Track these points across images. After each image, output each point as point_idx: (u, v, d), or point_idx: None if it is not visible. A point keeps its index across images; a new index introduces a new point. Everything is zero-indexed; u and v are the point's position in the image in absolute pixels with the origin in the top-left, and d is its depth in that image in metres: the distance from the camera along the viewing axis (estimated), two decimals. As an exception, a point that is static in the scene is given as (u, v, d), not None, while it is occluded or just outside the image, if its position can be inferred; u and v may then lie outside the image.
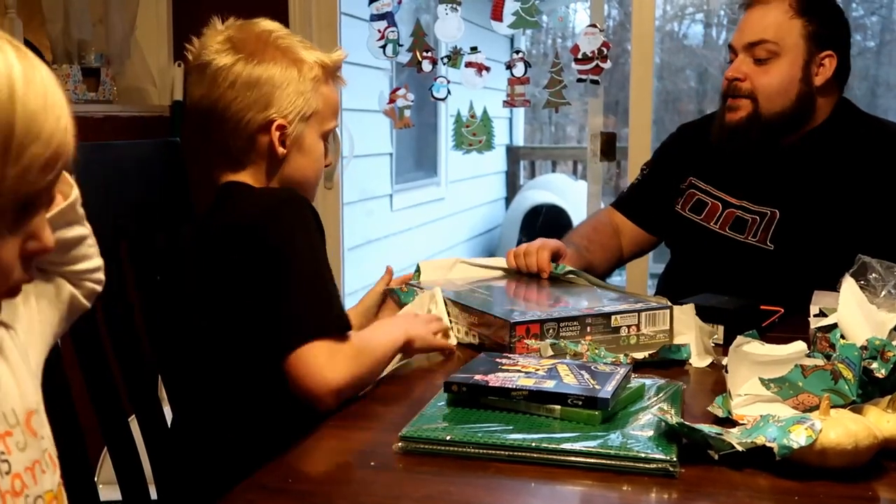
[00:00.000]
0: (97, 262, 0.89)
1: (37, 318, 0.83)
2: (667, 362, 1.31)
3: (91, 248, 0.88)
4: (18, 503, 0.68)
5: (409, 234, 5.24)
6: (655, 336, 1.38)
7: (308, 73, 1.31)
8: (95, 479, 1.95)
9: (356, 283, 3.49)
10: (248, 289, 1.23)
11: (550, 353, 1.28)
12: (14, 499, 0.68)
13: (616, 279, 1.73)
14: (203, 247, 1.30)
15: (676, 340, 1.38)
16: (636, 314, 1.37)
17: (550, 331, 1.32)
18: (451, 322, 1.46)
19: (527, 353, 1.29)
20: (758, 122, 1.74)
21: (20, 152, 0.66)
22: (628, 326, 1.37)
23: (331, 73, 1.36)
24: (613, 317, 1.36)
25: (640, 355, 1.32)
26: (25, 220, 0.69)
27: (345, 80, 1.41)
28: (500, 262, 1.73)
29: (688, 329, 1.38)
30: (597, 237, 1.91)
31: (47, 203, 0.73)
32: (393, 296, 1.59)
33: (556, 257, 1.69)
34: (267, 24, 1.34)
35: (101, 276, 0.90)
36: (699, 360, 1.32)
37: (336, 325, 1.20)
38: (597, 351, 1.29)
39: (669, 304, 1.41)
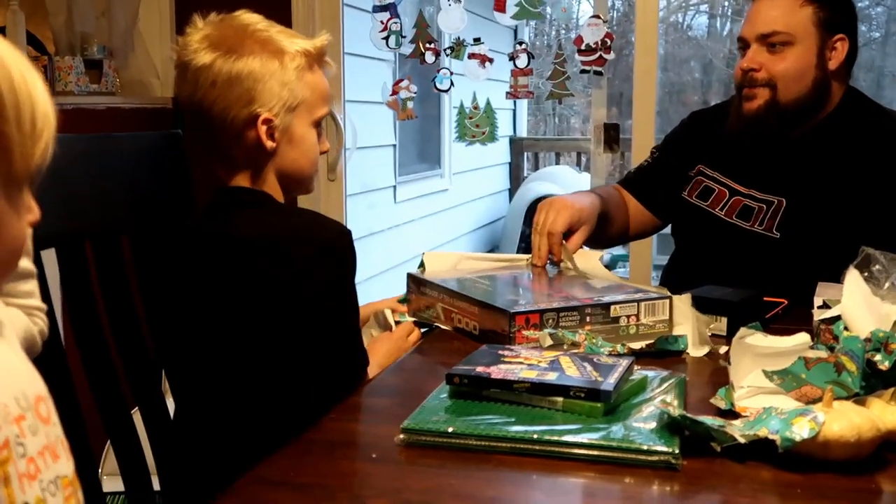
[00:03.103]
0: (42, 304, 0.88)
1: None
2: (664, 353, 1.31)
3: (36, 287, 0.87)
4: (34, 487, 0.69)
5: (413, 225, 5.23)
6: (655, 326, 1.38)
7: (290, 63, 1.30)
8: (100, 470, 1.96)
9: (360, 275, 3.49)
10: (269, 309, 1.25)
11: (549, 342, 1.28)
12: (30, 482, 0.68)
13: (621, 271, 1.72)
14: (220, 253, 1.29)
15: (675, 331, 1.38)
16: (635, 304, 1.37)
17: (550, 321, 1.32)
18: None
19: (526, 343, 1.29)
20: (776, 109, 1.74)
21: (42, 127, 0.68)
22: (628, 316, 1.36)
23: (315, 60, 1.34)
24: (613, 307, 1.36)
25: (637, 345, 1.31)
26: (27, 194, 0.71)
27: (332, 64, 1.39)
28: (506, 257, 1.72)
29: (686, 319, 1.37)
30: (613, 199, 1.90)
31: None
32: (380, 318, 1.59)
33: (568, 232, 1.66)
34: (246, 17, 1.33)
35: (46, 319, 0.89)
36: (696, 350, 1.32)
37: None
38: (594, 341, 1.29)
39: (668, 294, 1.40)
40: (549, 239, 1.63)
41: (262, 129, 1.29)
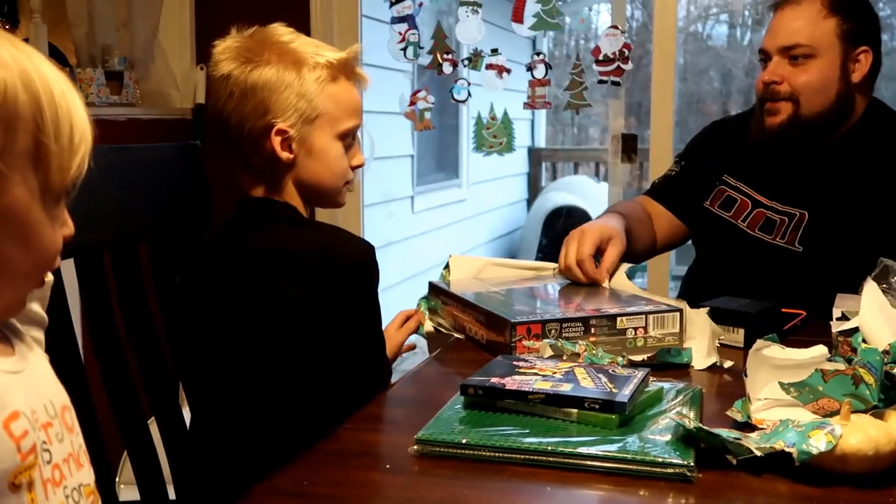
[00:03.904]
0: (46, 356, 0.88)
1: None
2: (670, 365, 1.30)
3: (43, 339, 0.87)
4: (58, 493, 0.70)
5: (431, 235, 5.24)
6: (664, 339, 1.35)
7: (309, 74, 1.29)
8: (117, 479, 1.97)
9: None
10: (288, 324, 1.25)
11: (550, 353, 1.28)
12: (54, 488, 0.70)
13: (638, 280, 1.70)
14: (241, 265, 1.29)
15: (687, 344, 1.36)
16: (643, 316, 1.35)
17: (552, 331, 1.31)
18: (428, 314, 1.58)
19: (528, 353, 1.28)
20: (798, 123, 1.72)
21: (79, 142, 0.71)
22: (635, 329, 1.34)
23: (340, 71, 1.32)
24: (619, 319, 1.34)
25: (638, 358, 1.30)
26: (62, 208, 0.73)
27: (366, 76, 1.38)
28: (532, 265, 1.72)
29: (698, 332, 1.36)
30: (635, 214, 1.86)
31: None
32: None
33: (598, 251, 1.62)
34: (272, 29, 1.33)
35: None
36: (702, 362, 1.31)
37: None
38: (594, 352, 1.28)
39: (680, 306, 1.39)
40: (581, 266, 1.56)
41: (277, 139, 1.29)
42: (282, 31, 1.33)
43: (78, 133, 0.70)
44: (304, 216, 1.36)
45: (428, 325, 1.56)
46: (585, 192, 6.70)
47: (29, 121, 0.66)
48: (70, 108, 0.69)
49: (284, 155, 1.30)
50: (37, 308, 0.83)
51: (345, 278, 1.26)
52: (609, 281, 1.59)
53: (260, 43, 1.30)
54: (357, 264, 1.27)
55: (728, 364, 1.31)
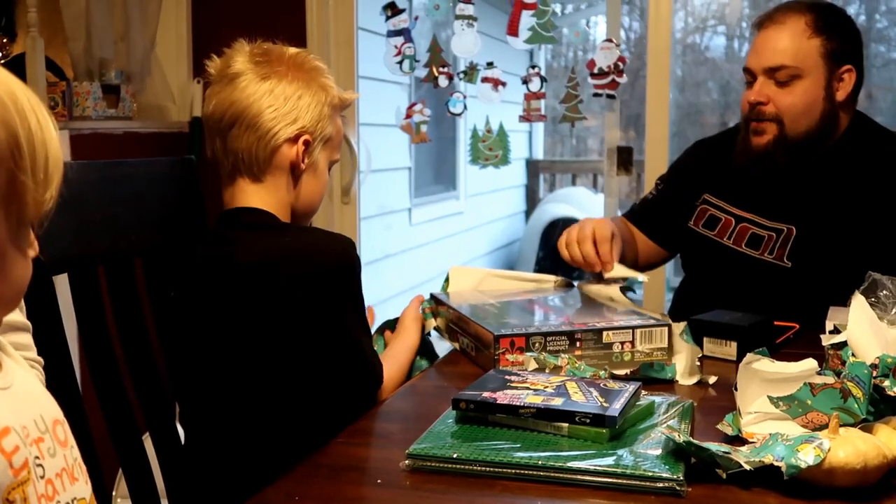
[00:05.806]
0: (39, 358, 0.89)
1: None
2: (651, 380, 1.29)
3: (31, 341, 0.88)
4: None
5: (429, 248, 5.24)
6: (652, 353, 1.35)
7: (330, 100, 1.37)
8: (114, 493, 1.97)
9: (374, 297, 3.50)
10: (284, 332, 1.26)
11: (534, 366, 1.28)
12: (48, 503, 0.70)
13: (631, 294, 1.70)
14: (223, 278, 1.30)
15: (675, 359, 1.36)
16: (630, 331, 1.35)
17: (536, 345, 1.31)
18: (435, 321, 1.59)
19: (512, 366, 1.29)
20: (784, 144, 1.72)
21: (53, 172, 0.69)
22: (622, 343, 1.34)
23: (342, 110, 1.42)
24: (605, 333, 1.34)
25: (621, 372, 1.30)
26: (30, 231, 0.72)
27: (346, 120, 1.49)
28: (532, 276, 1.73)
29: (686, 348, 1.36)
30: (623, 232, 1.88)
31: None
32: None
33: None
34: (295, 50, 1.38)
35: (42, 372, 0.89)
36: (685, 378, 1.31)
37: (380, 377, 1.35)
38: (577, 365, 1.28)
39: (668, 321, 1.39)
40: (601, 247, 1.63)
41: (301, 149, 1.34)
42: (301, 52, 1.39)
43: (52, 164, 0.69)
44: (282, 222, 1.37)
45: (429, 325, 1.58)
46: (583, 203, 6.70)
47: (7, 159, 0.65)
48: (45, 138, 0.68)
49: (302, 165, 1.35)
50: (19, 316, 0.83)
51: (334, 278, 1.28)
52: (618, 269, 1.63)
53: (291, 58, 1.36)
54: (343, 262, 1.30)
55: (712, 380, 1.31)
